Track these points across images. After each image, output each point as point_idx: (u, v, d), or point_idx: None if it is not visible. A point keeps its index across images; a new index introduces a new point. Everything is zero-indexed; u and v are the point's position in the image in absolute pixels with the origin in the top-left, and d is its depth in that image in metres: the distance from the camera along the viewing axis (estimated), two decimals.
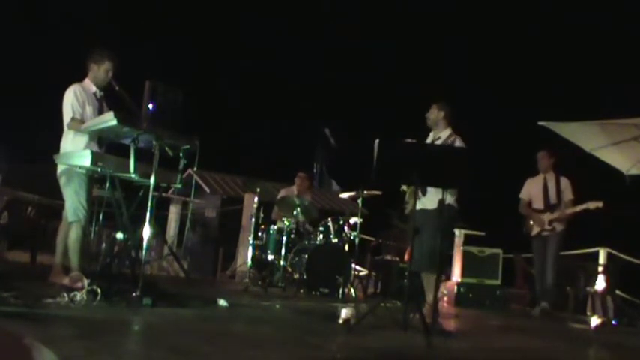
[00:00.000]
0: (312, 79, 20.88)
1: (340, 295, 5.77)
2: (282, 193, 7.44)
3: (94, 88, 4.46)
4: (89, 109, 4.35)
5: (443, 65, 19.88)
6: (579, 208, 5.97)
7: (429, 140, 4.59)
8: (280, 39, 21.40)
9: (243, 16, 21.49)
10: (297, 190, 7.40)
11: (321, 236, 6.56)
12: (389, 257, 7.96)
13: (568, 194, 6.18)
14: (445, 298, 7.36)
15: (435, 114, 4.60)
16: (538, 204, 6.27)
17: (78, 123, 4.25)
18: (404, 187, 4.59)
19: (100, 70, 4.43)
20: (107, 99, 4.50)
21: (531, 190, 6.39)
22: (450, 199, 4.29)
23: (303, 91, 20.62)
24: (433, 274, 4.29)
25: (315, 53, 20.91)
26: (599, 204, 5.80)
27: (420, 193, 4.30)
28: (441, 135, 4.52)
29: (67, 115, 4.32)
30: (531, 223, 6.26)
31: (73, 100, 4.30)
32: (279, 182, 9.64)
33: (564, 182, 6.24)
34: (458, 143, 4.41)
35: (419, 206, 4.20)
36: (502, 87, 18.00)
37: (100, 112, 4.37)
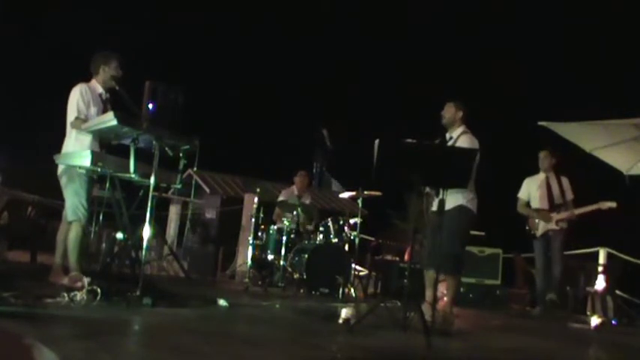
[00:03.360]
0: (312, 78, 20.89)
1: (340, 295, 5.77)
2: (282, 195, 7.44)
3: (99, 90, 4.47)
4: (94, 110, 4.35)
5: (441, 65, 19.88)
6: (590, 208, 5.88)
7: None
8: (280, 38, 21.40)
9: (244, 15, 21.49)
10: (297, 189, 7.40)
11: (321, 236, 6.56)
12: (389, 257, 7.96)
13: (569, 194, 6.13)
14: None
15: (451, 113, 4.52)
16: (542, 204, 6.15)
17: (81, 122, 4.25)
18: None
19: (107, 72, 4.43)
20: (111, 101, 4.51)
21: (532, 190, 6.28)
22: (462, 200, 4.30)
23: (303, 91, 20.64)
24: (449, 275, 4.34)
25: (315, 52, 20.91)
26: (613, 204, 5.67)
27: (433, 194, 4.35)
28: (453, 134, 4.52)
29: (71, 114, 4.33)
30: (537, 222, 6.14)
31: (79, 98, 4.31)
32: (279, 182, 9.64)
33: (566, 181, 6.16)
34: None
35: (432, 208, 4.30)
36: (501, 86, 18.00)
37: (104, 113, 4.37)
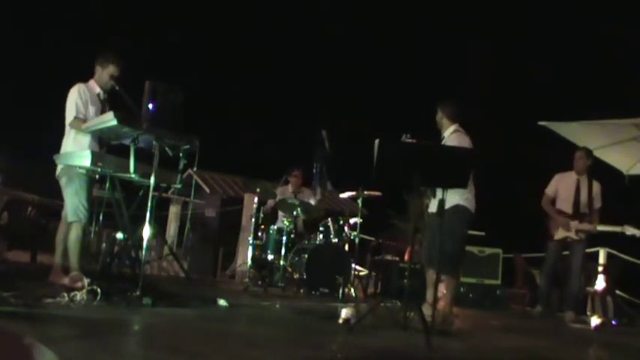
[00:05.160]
0: (312, 78, 20.89)
1: (340, 295, 5.76)
2: (278, 193, 7.41)
3: (97, 89, 4.48)
4: (92, 110, 4.37)
5: (441, 65, 19.89)
6: (613, 229, 5.67)
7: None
8: (280, 38, 21.40)
9: (243, 15, 21.49)
10: (292, 188, 7.39)
11: (321, 236, 6.56)
12: (389, 257, 7.96)
13: (598, 202, 5.86)
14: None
15: (438, 115, 4.67)
16: (566, 206, 5.88)
17: (80, 122, 4.26)
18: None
19: (104, 73, 4.44)
20: (109, 101, 4.51)
21: (560, 188, 5.99)
22: (458, 199, 4.30)
23: (303, 91, 20.64)
24: (447, 275, 4.35)
25: (315, 52, 20.92)
26: (637, 231, 5.48)
27: (430, 195, 4.37)
28: (445, 134, 4.57)
29: (69, 114, 4.34)
30: (557, 226, 5.87)
31: (77, 98, 4.31)
32: (279, 182, 9.63)
33: (596, 188, 5.88)
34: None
35: (430, 209, 4.32)
36: (501, 86, 18.00)
37: (102, 113, 4.37)
